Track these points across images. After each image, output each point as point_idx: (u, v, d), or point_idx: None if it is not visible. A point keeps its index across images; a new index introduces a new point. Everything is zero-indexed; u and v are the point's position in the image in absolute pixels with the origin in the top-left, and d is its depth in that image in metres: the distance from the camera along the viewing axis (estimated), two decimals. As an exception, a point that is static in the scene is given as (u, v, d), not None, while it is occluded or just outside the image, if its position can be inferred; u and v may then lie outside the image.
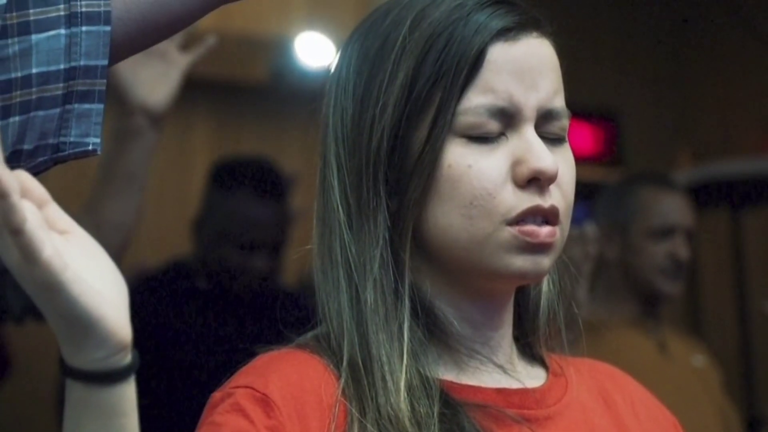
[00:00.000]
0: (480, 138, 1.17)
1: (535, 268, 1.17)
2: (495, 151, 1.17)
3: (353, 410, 1.13)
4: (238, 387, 1.14)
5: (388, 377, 1.14)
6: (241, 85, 4.18)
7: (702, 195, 4.45)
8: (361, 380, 1.15)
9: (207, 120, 4.33)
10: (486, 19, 1.18)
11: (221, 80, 3.94)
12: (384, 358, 1.15)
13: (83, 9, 1.13)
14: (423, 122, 1.17)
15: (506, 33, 1.18)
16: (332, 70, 1.25)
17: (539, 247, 1.16)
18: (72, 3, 1.13)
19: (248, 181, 3.07)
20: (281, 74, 3.97)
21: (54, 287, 0.90)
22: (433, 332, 1.19)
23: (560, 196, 1.18)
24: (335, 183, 1.21)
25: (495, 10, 1.18)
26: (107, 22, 1.14)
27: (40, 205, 0.92)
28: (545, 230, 1.16)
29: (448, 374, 1.19)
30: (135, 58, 2.11)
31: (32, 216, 0.89)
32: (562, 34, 1.22)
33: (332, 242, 1.20)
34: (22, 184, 0.90)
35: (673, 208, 2.98)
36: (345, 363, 1.16)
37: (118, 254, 2.27)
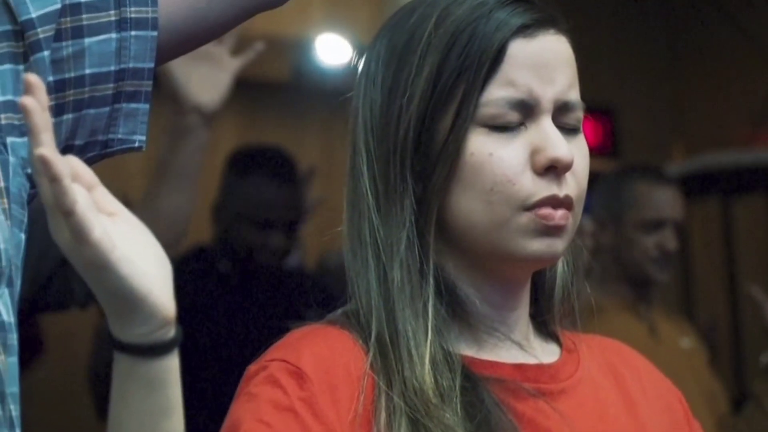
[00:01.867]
0: (500, 128, 1.17)
1: (549, 251, 1.17)
2: (514, 141, 1.17)
3: (380, 383, 1.13)
4: (273, 360, 1.15)
5: (413, 351, 1.14)
6: (264, 83, 4.14)
7: (694, 185, 4.40)
8: (387, 354, 1.15)
9: (232, 115, 4.33)
10: (506, 17, 1.18)
11: (246, 78, 3.93)
12: (410, 334, 1.15)
13: (132, 15, 1.14)
14: (447, 113, 1.17)
15: (525, 30, 1.19)
16: (361, 64, 1.25)
17: (554, 230, 1.16)
18: (122, 9, 1.13)
19: (262, 165, 3.09)
20: (302, 73, 3.96)
21: (103, 266, 0.91)
22: (455, 311, 1.19)
23: (575, 184, 1.19)
24: (364, 169, 1.21)
25: (515, 8, 1.19)
26: (154, 27, 1.15)
27: (89, 189, 0.93)
28: (560, 213, 1.16)
29: (468, 350, 1.19)
30: (188, 62, 2.16)
31: (82, 199, 0.90)
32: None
33: (361, 225, 1.20)
34: (73, 168, 0.92)
35: (664, 201, 2.96)
36: (373, 338, 1.16)
37: (175, 245, 2.32)
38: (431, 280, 1.18)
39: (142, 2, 1.14)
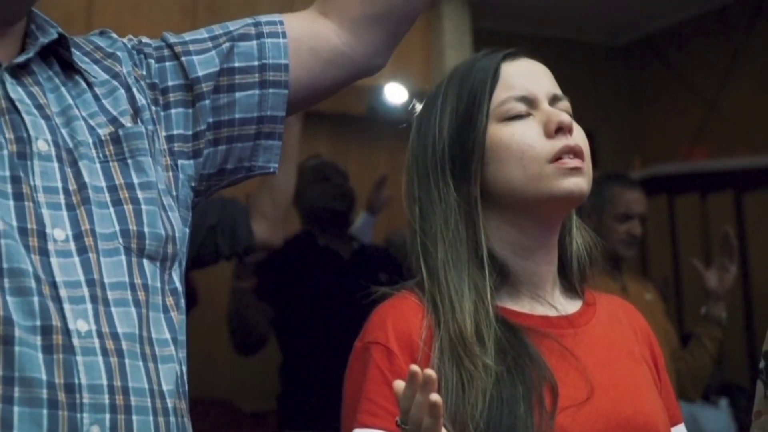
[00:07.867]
0: (514, 118, 1.18)
1: (577, 186, 1.17)
2: (528, 123, 1.18)
3: (435, 327, 1.13)
4: (371, 342, 1.14)
5: (456, 304, 1.13)
6: (347, 117, 4.13)
7: (648, 187, 4.01)
8: (437, 306, 1.14)
9: (326, 138, 4.14)
10: (494, 54, 1.24)
11: (335, 113, 3.89)
12: (452, 291, 1.14)
13: (271, 77, 1.16)
14: (472, 125, 1.19)
15: (510, 56, 1.23)
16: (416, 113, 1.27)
17: (575, 171, 1.16)
18: (264, 73, 1.15)
19: (329, 173, 3.12)
20: (374, 110, 3.96)
21: None
22: (504, 277, 1.19)
23: (581, 141, 1.20)
24: (416, 178, 1.22)
25: (498, 51, 1.25)
26: (286, 87, 1.17)
27: None
28: (575, 159, 1.17)
29: (513, 305, 1.19)
30: None
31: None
32: (558, 81, 1.26)
33: (432, 220, 1.19)
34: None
35: (633, 200, 2.90)
36: (428, 296, 1.16)
37: (286, 209, 2.37)
38: (475, 256, 1.16)
39: (278, 69, 1.16)
